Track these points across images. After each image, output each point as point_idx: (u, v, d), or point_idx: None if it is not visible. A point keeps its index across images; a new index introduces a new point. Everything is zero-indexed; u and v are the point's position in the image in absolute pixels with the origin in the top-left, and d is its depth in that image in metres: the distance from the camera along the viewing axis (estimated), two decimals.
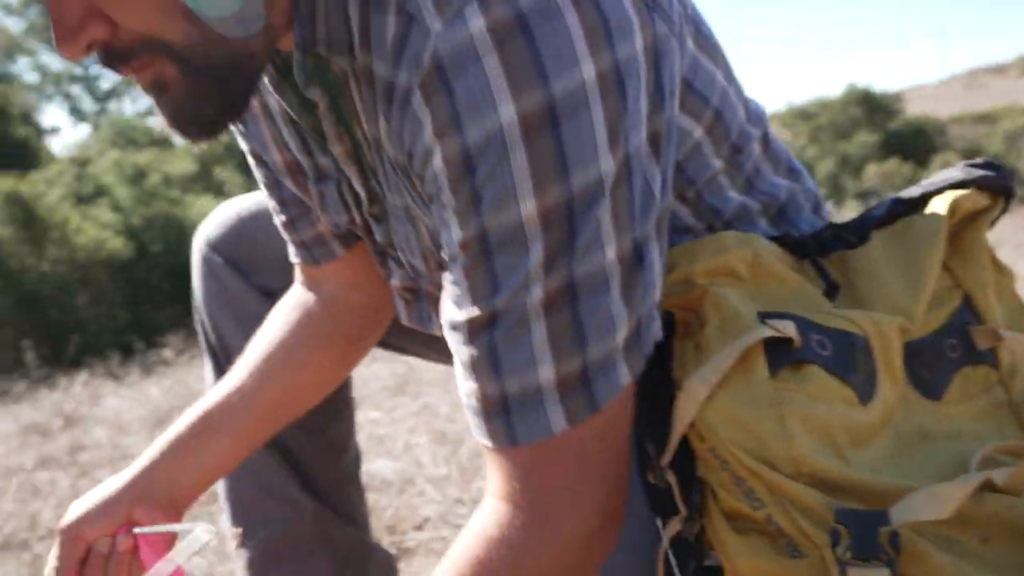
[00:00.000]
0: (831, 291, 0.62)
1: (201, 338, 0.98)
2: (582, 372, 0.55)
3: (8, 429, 3.55)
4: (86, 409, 3.80)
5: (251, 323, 0.88)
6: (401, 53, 0.54)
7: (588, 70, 0.52)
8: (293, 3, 0.60)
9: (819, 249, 0.66)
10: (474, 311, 0.55)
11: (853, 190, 20.39)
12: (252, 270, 0.95)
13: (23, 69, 30.68)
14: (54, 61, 31.20)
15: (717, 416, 0.52)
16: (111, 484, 0.78)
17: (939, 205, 0.67)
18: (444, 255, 0.58)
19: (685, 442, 0.56)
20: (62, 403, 4.00)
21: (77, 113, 32.40)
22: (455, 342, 0.58)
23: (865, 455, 0.53)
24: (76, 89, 32.18)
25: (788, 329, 0.53)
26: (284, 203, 0.80)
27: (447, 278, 0.58)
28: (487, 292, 0.55)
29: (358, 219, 0.74)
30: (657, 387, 0.57)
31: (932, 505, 0.49)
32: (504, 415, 0.56)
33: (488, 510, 0.59)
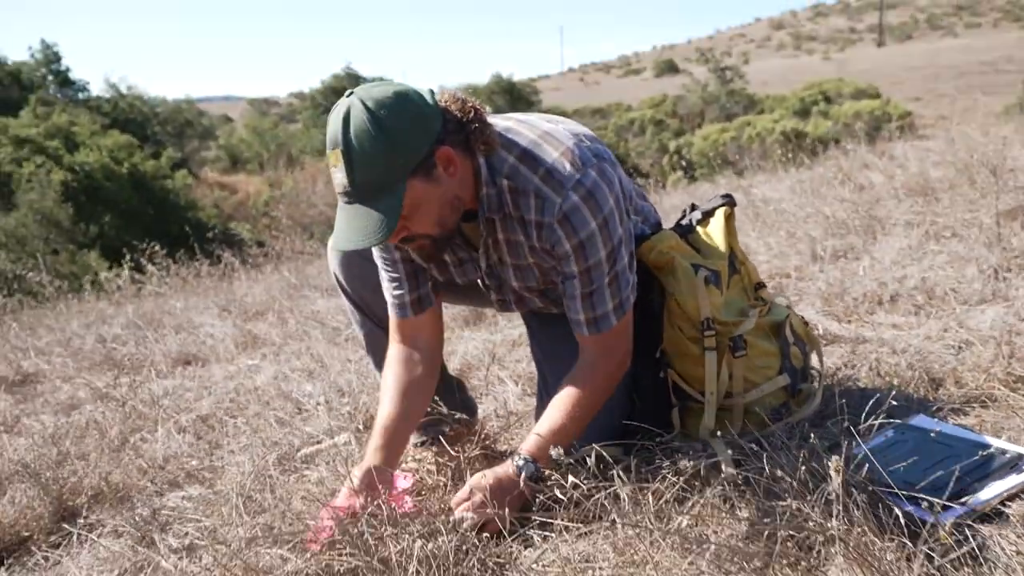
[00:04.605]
0: (698, 252, 1.66)
1: (344, 298, 1.80)
2: (620, 303, 1.54)
3: None
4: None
5: (374, 281, 1.70)
6: (543, 210, 1.47)
7: (607, 207, 1.47)
8: (474, 199, 1.48)
9: (685, 234, 1.69)
10: (584, 290, 1.51)
11: None
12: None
13: None
14: None
15: (689, 302, 1.60)
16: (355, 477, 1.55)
17: (719, 214, 1.74)
18: (561, 283, 1.52)
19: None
20: None
21: None
22: (576, 306, 1.52)
23: (725, 310, 1.63)
24: None
25: (705, 272, 1.59)
26: (417, 281, 1.64)
27: (566, 292, 1.53)
28: (589, 284, 1.51)
29: (480, 275, 1.63)
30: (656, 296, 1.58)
31: (748, 325, 1.61)
32: (596, 324, 1.53)
33: (581, 360, 1.55)
